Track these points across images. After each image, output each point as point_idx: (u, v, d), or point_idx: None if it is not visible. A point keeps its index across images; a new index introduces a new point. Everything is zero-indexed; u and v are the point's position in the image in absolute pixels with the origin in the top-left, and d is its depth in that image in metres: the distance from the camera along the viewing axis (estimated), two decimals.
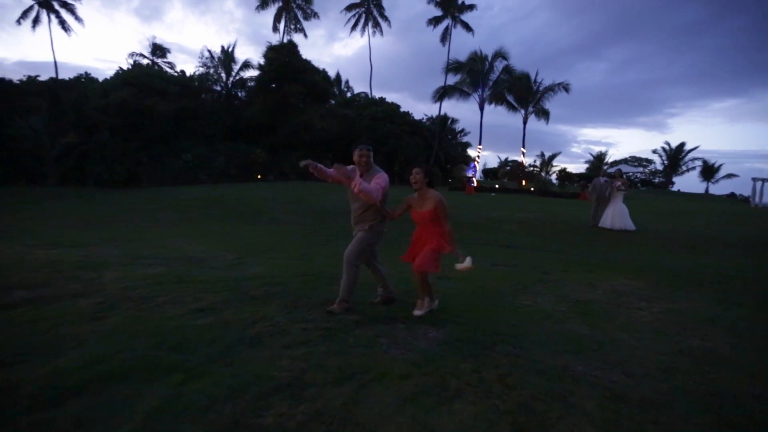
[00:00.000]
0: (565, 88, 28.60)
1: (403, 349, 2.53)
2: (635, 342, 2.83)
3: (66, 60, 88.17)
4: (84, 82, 30.05)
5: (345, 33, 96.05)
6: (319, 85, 27.41)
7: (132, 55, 33.62)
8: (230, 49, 29.98)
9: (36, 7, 29.91)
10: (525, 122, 29.14)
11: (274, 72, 25.20)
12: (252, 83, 28.03)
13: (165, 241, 6.78)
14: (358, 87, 71.99)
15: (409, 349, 2.55)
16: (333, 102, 32.33)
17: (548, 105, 29.28)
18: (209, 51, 29.83)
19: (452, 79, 30.11)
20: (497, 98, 28.28)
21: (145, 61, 33.62)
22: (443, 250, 3.22)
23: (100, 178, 22.24)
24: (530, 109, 29.16)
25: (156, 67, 32.38)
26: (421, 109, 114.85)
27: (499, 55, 27.20)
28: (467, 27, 32.20)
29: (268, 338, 2.56)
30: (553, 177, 29.83)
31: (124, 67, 31.35)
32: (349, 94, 38.04)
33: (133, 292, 3.34)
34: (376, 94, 34.67)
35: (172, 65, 34.37)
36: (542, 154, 30.21)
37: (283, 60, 24.63)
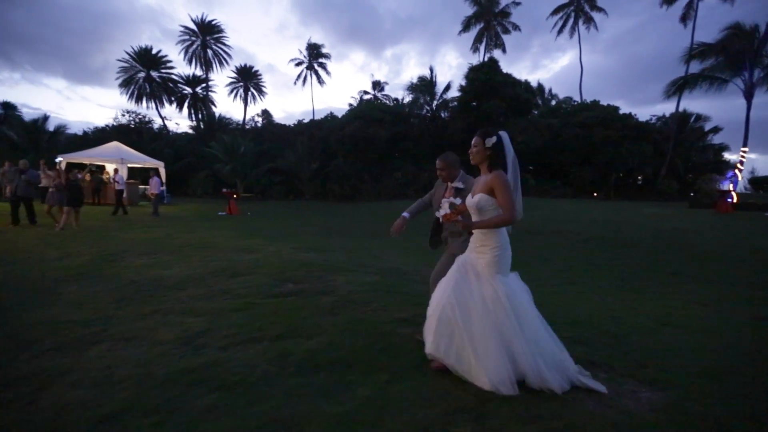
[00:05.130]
0: None
1: (601, 405, 2.27)
2: None
3: (322, 105, 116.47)
4: (329, 119, 38.86)
5: (549, 60, 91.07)
6: (521, 97, 26.53)
7: (360, 93, 41.90)
8: (431, 76, 32.77)
9: (304, 70, 41.50)
10: None
11: (475, 91, 25.97)
12: (454, 104, 29.70)
13: (381, 252, 8.05)
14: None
15: (609, 405, 2.27)
16: (536, 113, 30.64)
17: None
18: (420, 78, 33.44)
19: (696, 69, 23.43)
20: None
21: (367, 97, 41.36)
22: None
23: (334, 194, 28.22)
24: None
25: (377, 101, 38.87)
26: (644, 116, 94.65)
27: None
28: None
29: None
30: None
31: (353, 102, 39.63)
32: (553, 102, 35.24)
33: (356, 295, 4.19)
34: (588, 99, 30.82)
35: (389, 97, 40.68)
36: None
37: (483, 78, 25.14)
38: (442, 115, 31.62)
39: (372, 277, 5.14)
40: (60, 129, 25.91)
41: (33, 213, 10.00)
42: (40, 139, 23.63)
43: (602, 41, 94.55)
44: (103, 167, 18.31)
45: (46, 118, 24.96)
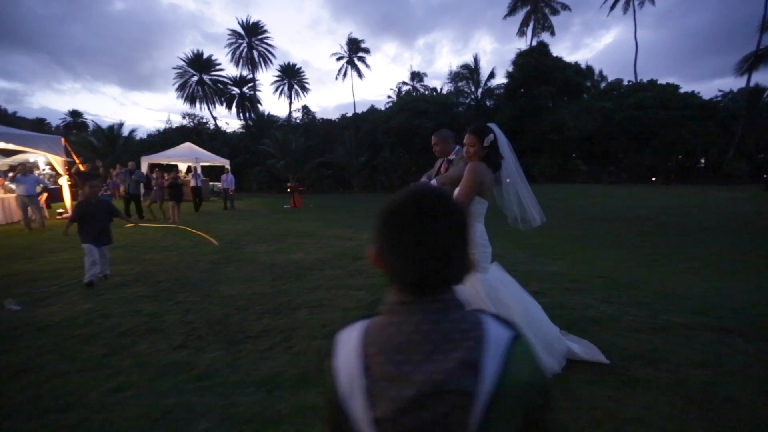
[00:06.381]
0: None
1: (752, 356, 2.66)
2: None
3: (357, 98, 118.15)
4: (372, 112, 39.51)
5: (591, 39, 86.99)
6: (572, 80, 25.80)
7: (399, 84, 42.21)
8: (475, 64, 32.42)
9: (345, 65, 42.28)
10: None
11: (524, 77, 25.58)
12: (500, 91, 29.33)
13: None
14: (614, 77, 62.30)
15: (758, 355, 2.65)
16: (586, 96, 29.63)
17: None
18: (463, 66, 33.21)
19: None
20: None
21: (405, 88, 41.66)
22: None
23: (383, 186, 28.93)
24: None
25: (416, 93, 39.05)
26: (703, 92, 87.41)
27: None
28: None
29: (606, 321, 3.24)
30: None
31: (392, 94, 40.03)
32: (603, 85, 33.79)
33: None
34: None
35: (427, 87, 40.70)
36: None
37: (532, 63, 24.68)
38: (487, 103, 31.32)
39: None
40: (132, 133, 28.28)
41: (141, 209, 11.34)
42: (117, 142, 25.98)
43: (651, 14, 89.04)
44: (176, 166, 19.97)
45: (121, 124, 27.45)
